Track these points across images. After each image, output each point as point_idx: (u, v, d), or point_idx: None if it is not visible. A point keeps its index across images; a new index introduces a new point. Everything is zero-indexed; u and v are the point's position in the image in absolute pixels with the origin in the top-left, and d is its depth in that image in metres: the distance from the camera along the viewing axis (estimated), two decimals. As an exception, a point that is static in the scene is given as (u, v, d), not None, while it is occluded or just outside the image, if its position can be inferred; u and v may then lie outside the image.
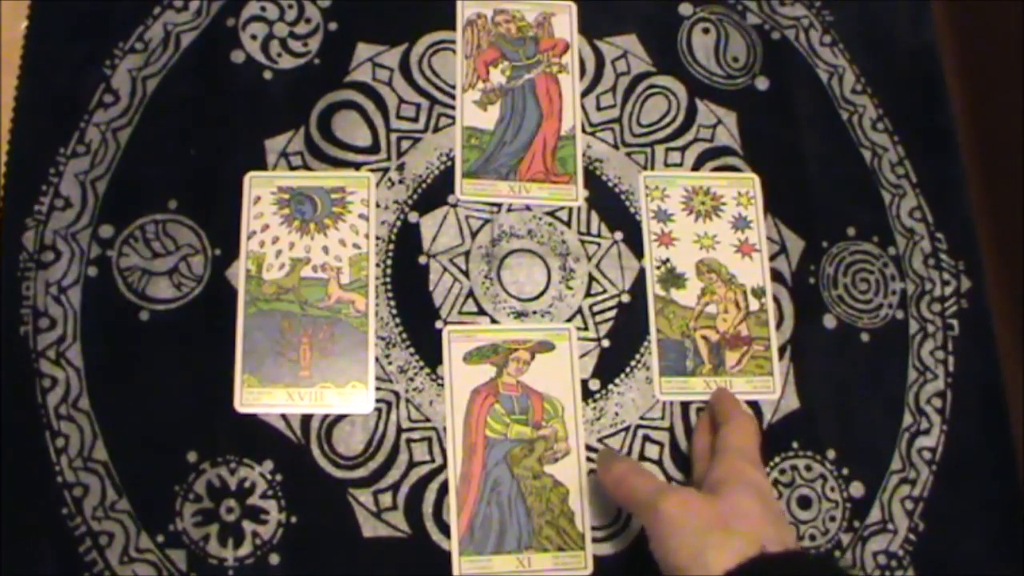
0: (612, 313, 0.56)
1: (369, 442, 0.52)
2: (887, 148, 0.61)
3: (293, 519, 0.51)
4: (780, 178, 0.59)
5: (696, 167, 0.59)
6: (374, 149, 0.57)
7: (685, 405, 0.55)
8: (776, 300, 0.57)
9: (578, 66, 0.60)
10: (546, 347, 0.55)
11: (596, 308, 0.56)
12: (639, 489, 0.47)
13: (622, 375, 0.55)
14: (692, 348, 0.56)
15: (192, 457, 0.51)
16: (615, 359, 0.55)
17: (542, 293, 0.56)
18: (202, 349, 0.53)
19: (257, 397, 0.52)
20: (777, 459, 0.55)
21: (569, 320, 0.56)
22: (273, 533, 0.51)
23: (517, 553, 0.51)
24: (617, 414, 0.54)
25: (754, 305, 0.57)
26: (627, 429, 0.54)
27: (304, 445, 0.52)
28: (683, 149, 0.60)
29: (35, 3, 0.57)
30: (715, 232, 0.58)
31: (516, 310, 0.55)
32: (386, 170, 0.57)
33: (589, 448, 0.53)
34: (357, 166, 0.57)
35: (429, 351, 0.54)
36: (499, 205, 0.57)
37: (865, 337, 0.58)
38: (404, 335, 0.54)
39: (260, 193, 0.55)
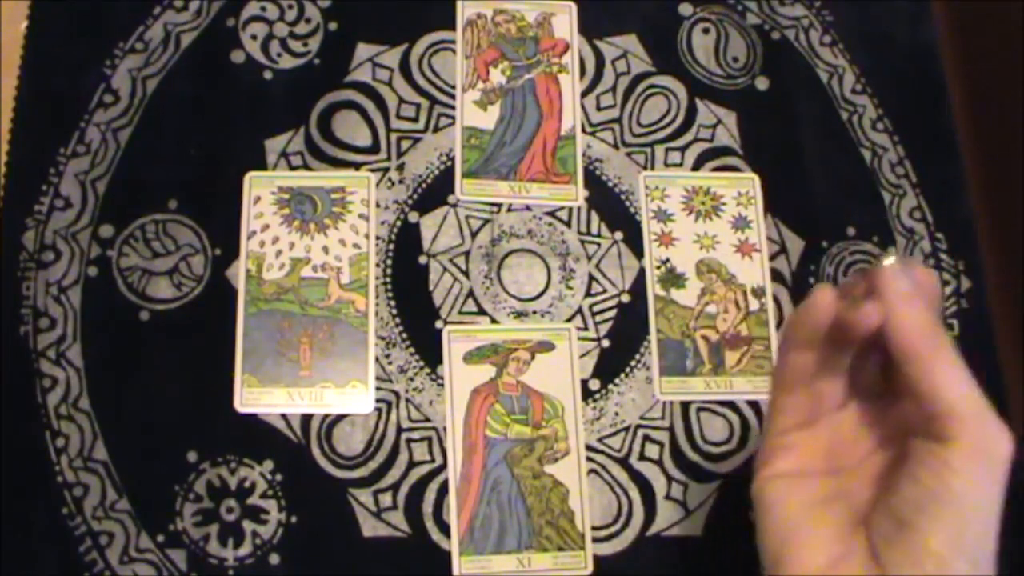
0: (612, 313, 0.56)
1: (369, 442, 0.52)
2: (887, 148, 0.61)
3: (293, 519, 0.51)
4: (780, 178, 0.59)
5: (696, 167, 0.59)
6: (374, 149, 0.57)
7: (685, 405, 0.55)
8: (776, 300, 0.57)
9: (578, 66, 0.60)
10: (546, 347, 0.55)
11: (596, 308, 0.56)
12: None
13: (622, 375, 0.55)
14: (692, 348, 0.56)
15: (192, 457, 0.51)
16: (615, 359, 0.55)
17: (542, 293, 0.56)
18: (202, 349, 0.53)
19: (257, 397, 0.52)
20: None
21: (569, 320, 0.56)
22: (273, 533, 0.51)
23: (517, 553, 0.51)
24: (617, 414, 0.54)
25: (754, 305, 0.57)
26: (627, 429, 0.54)
27: (304, 445, 0.52)
28: (683, 149, 0.60)
29: (35, 3, 0.57)
30: (715, 232, 0.58)
31: (516, 310, 0.55)
32: (386, 170, 0.57)
33: (589, 448, 0.53)
34: (357, 166, 0.57)
35: (429, 351, 0.54)
36: (499, 205, 0.57)
37: (865, 337, 0.57)
38: (404, 335, 0.54)
39: (260, 193, 0.55)
